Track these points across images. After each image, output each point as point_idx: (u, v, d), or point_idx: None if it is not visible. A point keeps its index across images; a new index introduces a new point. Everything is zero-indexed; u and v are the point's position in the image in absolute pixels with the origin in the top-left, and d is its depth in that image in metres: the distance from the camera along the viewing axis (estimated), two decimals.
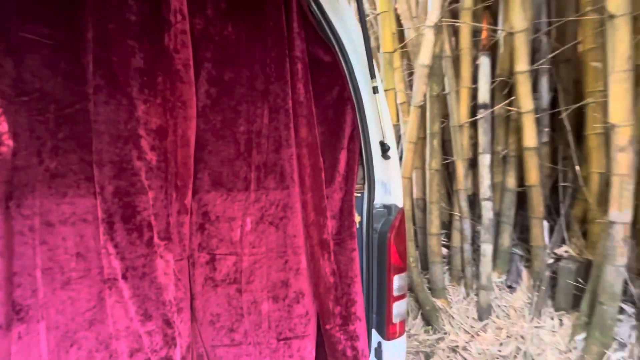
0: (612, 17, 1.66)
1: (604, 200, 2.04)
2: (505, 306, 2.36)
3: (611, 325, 1.80)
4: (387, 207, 1.26)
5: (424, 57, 2.29)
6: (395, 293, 1.22)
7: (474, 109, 2.46)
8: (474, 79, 2.46)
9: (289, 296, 1.16)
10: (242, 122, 1.17)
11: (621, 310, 1.86)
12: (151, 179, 1.04)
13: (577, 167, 2.18)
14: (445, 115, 2.55)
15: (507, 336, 2.15)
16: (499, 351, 2.07)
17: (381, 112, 1.25)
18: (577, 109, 2.25)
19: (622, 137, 1.69)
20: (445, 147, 2.67)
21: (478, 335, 2.22)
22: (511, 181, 2.47)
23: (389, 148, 1.25)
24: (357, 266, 1.20)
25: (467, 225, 2.53)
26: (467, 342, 2.17)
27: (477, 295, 2.41)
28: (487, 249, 2.38)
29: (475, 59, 2.48)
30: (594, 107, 2.08)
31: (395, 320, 1.23)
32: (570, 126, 2.24)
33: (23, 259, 0.95)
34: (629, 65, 1.66)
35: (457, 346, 2.15)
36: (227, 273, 1.13)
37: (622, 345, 1.81)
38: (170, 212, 1.05)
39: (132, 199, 1.03)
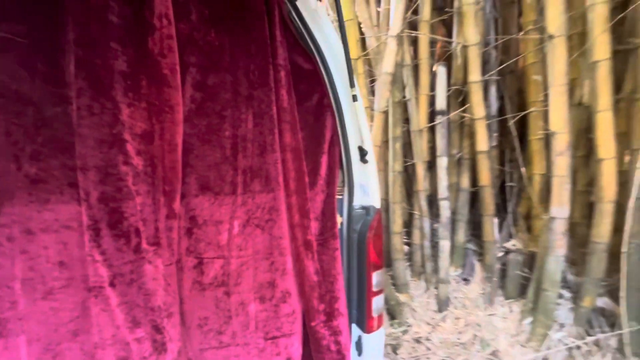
0: (551, 37, 1.88)
1: (545, 198, 2.30)
2: (461, 297, 2.56)
3: (552, 309, 2.03)
4: (366, 208, 1.34)
5: (387, 65, 2.42)
6: (374, 289, 1.30)
7: (432, 114, 2.64)
8: (432, 87, 2.64)
9: (275, 296, 1.20)
10: (227, 126, 1.19)
11: (560, 295, 2.10)
12: (138, 184, 1.03)
13: (523, 169, 2.41)
14: (406, 120, 2.70)
15: (465, 325, 2.33)
16: (458, 339, 2.24)
17: (360, 119, 1.33)
18: (521, 116, 2.50)
19: (560, 142, 1.92)
20: (406, 150, 2.83)
21: (439, 325, 2.39)
22: (465, 182, 2.67)
23: (367, 152, 1.33)
24: (339, 265, 1.27)
25: (426, 223, 2.70)
26: (429, 333, 2.33)
27: (436, 288, 2.59)
28: (445, 245, 2.56)
29: (432, 68, 2.66)
30: (536, 116, 2.33)
31: (375, 314, 1.31)
32: (515, 132, 2.48)
33: (0, 270, 0.90)
34: (566, 80, 1.89)
35: (420, 337, 2.30)
36: (215, 276, 1.15)
37: (562, 326, 2.05)
38: (159, 217, 1.04)
39: (119, 205, 1.01)
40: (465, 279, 2.69)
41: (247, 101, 1.22)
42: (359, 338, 1.33)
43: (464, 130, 2.67)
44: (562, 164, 1.91)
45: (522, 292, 2.39)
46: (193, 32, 1.17)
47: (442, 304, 2.51)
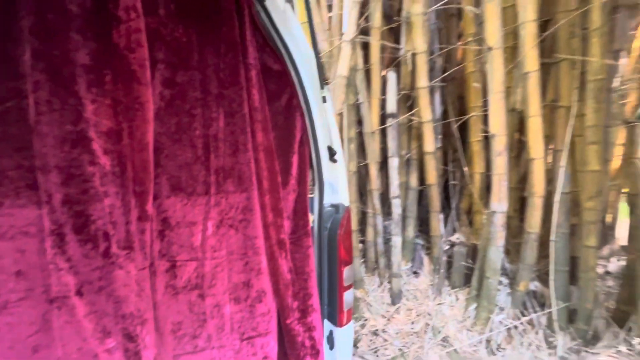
0: (490, 49, 2.09)
1: (484, 195, 2.53)
2: (412, 289, 2.72)
3: (494, 294, 2.24)
4: (335, 206, 1.39)
5: (342, 69, 2.50)
6: (345, 283, 1.35)
7: (384, 117, 2.77)
8: (383, 91, 2.77)
9: (250, 296, 1.19)
10: (198, 125, 1.16)
11: (499, 282, 2.33)
12: (106, 185, 0.97)
13: (465, 168, 2.63)
14: (359, 122, 2.80)
15: (417, 315, 2.48)
16: (412, 329, 2.38)
17: (329, 119, 1.37)
18: (462, 120, 2.72)
19: (499, 144, 2.14)
20: (359, 151, 2.94)
21: (393, 317, 2.51)
22: (414, 181, 2.85)
23: (335, 152, 1.38)
24: (312, 262, 1.29)
25: (379, 221, 2.82)
26: (385, 325, 2.44)
27: (389, 282, 2.72)
28: (397, 241, 2.71)
29: (382, 73, 2.80)
30: (476, 119, 2.56)
31: (345, 308, 1.36)
32: (458, 134, 2.70)
33: None
34: (503, 88, 2.11)
35: (377, 329, 2.40)
36: (189, 279, 1.11)
37: (502, 309, 2.27)
38: (130, 220, 0.99)
39: (85, 207, 0.94)
40: (415, 272, 2.86)
41: (218, 100, 1.20)
42: (330, 332, 1.37)
43: (412, 132, 2.84)
44: (500, 163, 2.12)
45: (466, 281, 2.60)
46: (160, 27, 1.12)
47: (396, 297, 2.65)
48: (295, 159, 1.34)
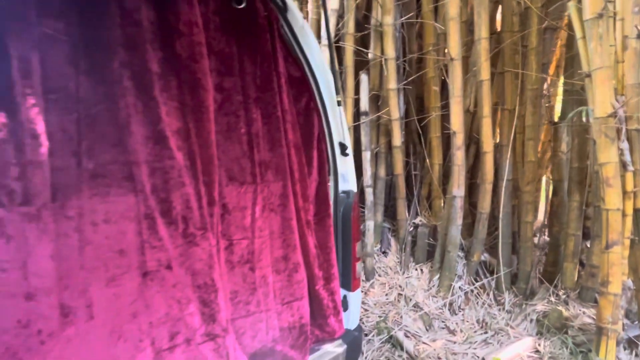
0: (452, 59, 2.49)
1: (442, 182, 2.97)
2: (383, 267, 3.09)
3: (454, 265, 2.69)
4: (347, 193, 1.66)
5: None
6: (357, 255, 1.64)
7: (357, 115, 3.09)
8: (356, 91, 3.08)
9: (288, 267, 1.43)
10: (242, 125, 1.37)
11: (458, 255, 2.78)
12: (182, 176, 1.15)
13: (427, 160, 3.05)
14: None
15: (389, 288, 2.86)
16: (387, 299, 2.75)
17: (341, 119, 1.63)
18: (420, 118, 3.14)
19: (458, 140, 2.56)
20: None
21: (370, 291, 2.86)
22: (382, 172, 3.21)
23: (346, 147, 1.65)
24: (332, 238, 1.56)
25: None
26: (363, 297, 2.78)
27: (363, 262, 3.07)
28: (370, 225, 3.05)
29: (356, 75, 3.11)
30: (435, 118, 2.98)
31: (357, 275, 1.65)
32: (420, 131, 3.11)
33: (70, 260, 0.94)
34: (461, 93, 2.53)
35: None
36: (242, 254, 1.32)
37: (460, 277, 2.73)
38: (202, 205, 1.18)
39: (168, 195, 1.12)
40: (384, 252, 3.24)
41: (256, 103, 1.41)
42: (345, 297, 1.65)
43: (380, 129, 3.19)
44: (459, 156, 2.55)
45: (428, 257, 3.04)
46: (211, 40, 1.30)
47: (369, 274, 3.00)
48: (315, 154, 1.59)
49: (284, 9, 1.48)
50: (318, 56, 1.59)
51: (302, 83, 1.58)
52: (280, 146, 1.43)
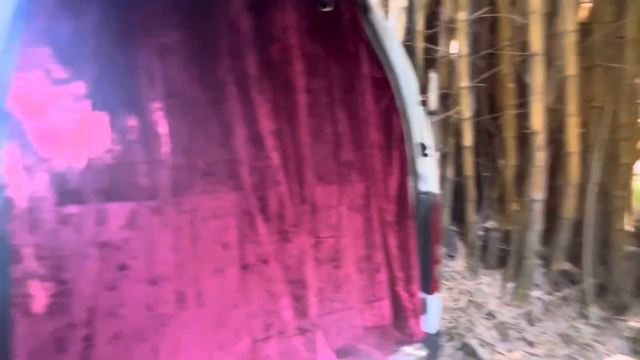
0: (534, 55, 2.35)
1: (518, 185, 2.81)
2: (450, 271, 2.99)
3: (531, 273, 2.53)
4: (427, 194, 1.63)
5: None
6: (437, 258, 1.60)
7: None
8: (422, 90, 3.02)
9: (370, 267, 1.44)
10: (328, 126, 1.40)
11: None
12: (277, 176, 1.20)
13: (502, 162, 2.90)
14: None
15: (459, 293, 2.76)
16: (456, 304, 2.66)
17: (422, 120, 1.61)
18: (493, 117, 2.99)
19: (539, 140, 2.41)
20: None
21: None
22: (450, 173, 3.11)
23: (427, 148, 1.62)
24: (414, 240, 1.54)
25: None
26: None
27: None
28: None
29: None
30: (510, 117, 2.83)
31: (437, 279, 1.62)
32: (495, 130, 2.97)
33: (184, 251, 1.02)
34: (543, 90, 2.37)
35: None
36: (328, 252, 1.35)
37: (537, 286, 2.56)
38: (295, 203, 1.22)
39: (265, 193, 1.17)
40: (450, 256, 3.13)
41: (341, 104, 1.43)
42: (424, 300, 1.62)
43: (449, 128, 3.09)
44: (540, 157, 2.40)
45: (499, 263, 2.89)
46: (300, 45, 1.35)
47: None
48: (396, 154, 1.58)
49: (367, 10, 1.49)
50: (400, 56, 1.58)
51: (384, 84, 1.58)
52: (363, 147, 1.44)
